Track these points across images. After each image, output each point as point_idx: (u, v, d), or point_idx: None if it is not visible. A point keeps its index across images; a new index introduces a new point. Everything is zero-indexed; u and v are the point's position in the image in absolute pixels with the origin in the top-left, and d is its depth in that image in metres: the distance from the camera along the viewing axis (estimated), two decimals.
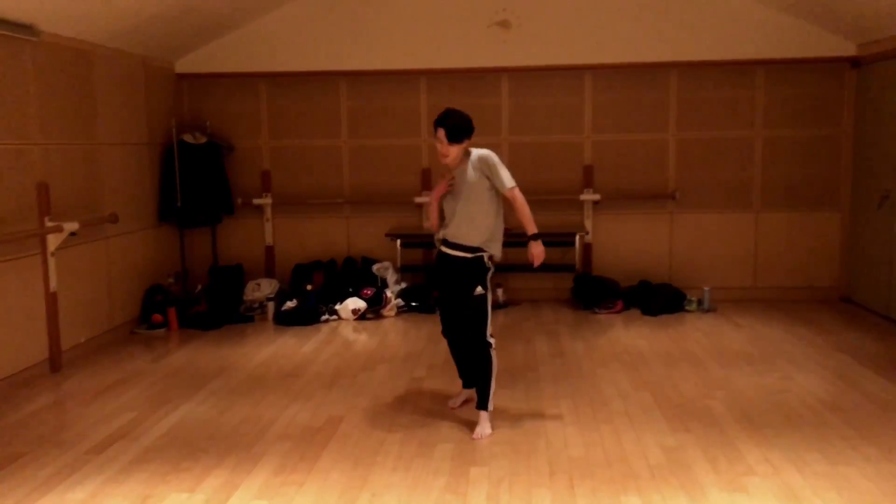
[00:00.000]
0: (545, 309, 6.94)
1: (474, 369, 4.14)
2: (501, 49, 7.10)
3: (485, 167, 4.04)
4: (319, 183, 7.42)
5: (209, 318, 6.46)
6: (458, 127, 4.06)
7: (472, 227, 4.06)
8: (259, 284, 7.11)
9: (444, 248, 4.15)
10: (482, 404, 4.05)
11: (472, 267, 4.08)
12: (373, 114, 7.35)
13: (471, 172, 4.05)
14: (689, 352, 5.51)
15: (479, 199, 4.04)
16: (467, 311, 4.07)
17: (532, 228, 4.10)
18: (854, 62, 6.87)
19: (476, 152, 4.11)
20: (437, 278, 4.28)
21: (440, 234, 4.18)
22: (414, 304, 6.95)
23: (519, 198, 4.05)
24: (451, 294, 4.16)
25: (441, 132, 4.05)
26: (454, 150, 4.06)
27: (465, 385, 4.44)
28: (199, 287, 7.05)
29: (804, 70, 6.99)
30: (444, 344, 5.73)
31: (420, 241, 7.36)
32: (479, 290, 4.06)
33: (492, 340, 4.08)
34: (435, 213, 4.26)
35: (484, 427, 4.01)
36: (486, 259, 4.10)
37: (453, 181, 4.10)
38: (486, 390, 4.04)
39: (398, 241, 7.19)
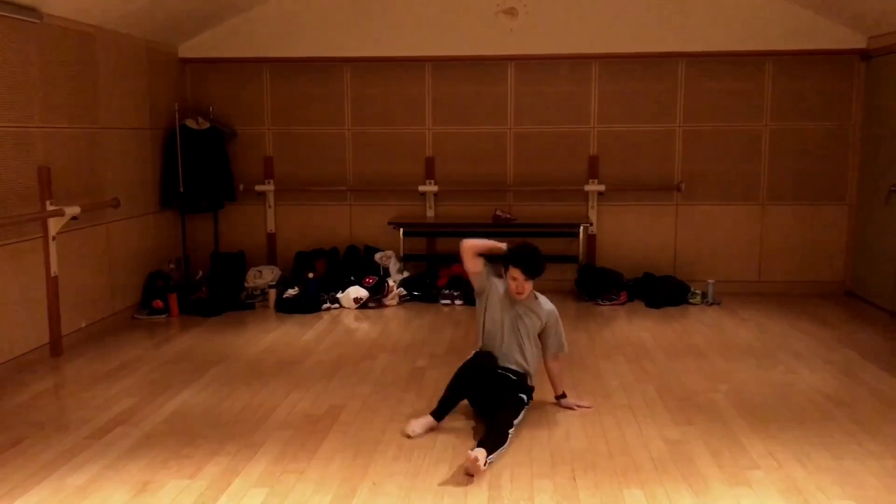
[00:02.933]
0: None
1: (488, 434, 3.72)
2: (508, 37, 7.05)
3: (552, 320, 4.20)
4: (322, 170, 7.38)
5: (210, 305, 6.43)
6: (538, 264, 4.14)
7: (524, 360, 4.14)
8: (260, 271, 7.08)
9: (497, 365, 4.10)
10: (489, 449, 3.55)
11: (519, 382, 4.09)
12: (377, 101, 7.30)
13: (538, 315, 4.17)
14: (692, 345, 5.49)
15: (535, 341, 4.19)
16: (505, 404, 3.91)
17: (560, 387, 4.31)
18: (864, 55, 6.81)
19: (546, 302, 4.23)
20: (477, 375, 4.06)
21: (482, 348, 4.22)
22: (416, 293, 6.92)
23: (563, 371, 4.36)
24: (491, 390, 4.03)
25: (519, 272, 4.08)
26: (529, 286, 4.13)
27: (437, 417, 3.95)
28: (201, 273, 7.03)
29: (813, 62, 6.93)
30: (446, 333, 5.75)
31: (423, 230, 7.33)
32: (522, 395, 4.04)
33: (511, 432, 3.78)
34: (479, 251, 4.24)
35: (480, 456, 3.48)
36: (529, 381, 4.14)
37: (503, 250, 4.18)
38: (493, 451, 3.60)
39: (401, 230, 7.16)
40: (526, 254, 4.12)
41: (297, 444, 3.77)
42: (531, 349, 4.15)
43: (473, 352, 4.20)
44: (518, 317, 4.13)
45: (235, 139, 7.35)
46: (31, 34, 5.05)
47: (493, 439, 3.63)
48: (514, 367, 4.11)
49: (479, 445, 3.55)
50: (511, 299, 4.13)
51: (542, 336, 4.21)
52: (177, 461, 3.59)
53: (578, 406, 4.23)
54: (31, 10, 4.96)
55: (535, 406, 4.24)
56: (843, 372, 4.87)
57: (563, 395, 4.26)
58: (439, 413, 3.93)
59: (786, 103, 7.02)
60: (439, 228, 7.34)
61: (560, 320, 4.25)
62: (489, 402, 3.94)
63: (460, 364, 4.11)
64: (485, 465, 3.44)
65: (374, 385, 4.65)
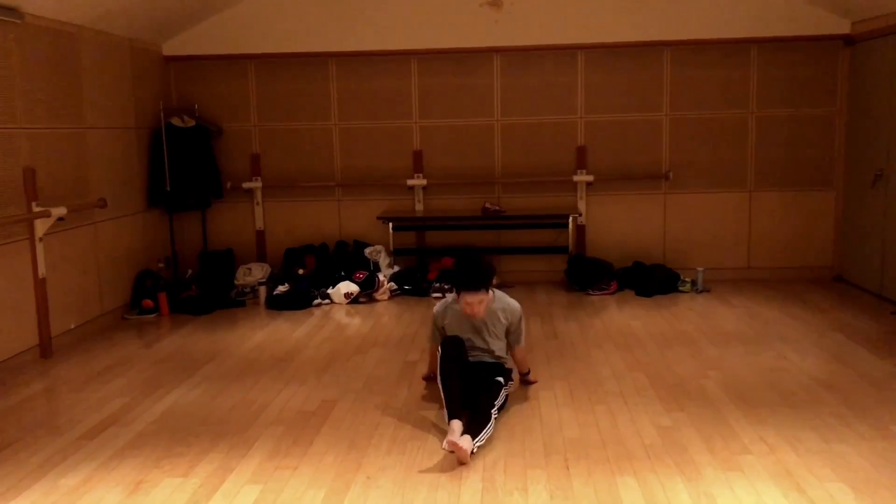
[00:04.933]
0: (539, 291, 6.92)
1: (471, 420, 3.71)
2: (493, 29, 7.04)
3: (514, 319, 4.20)
4: (310, 166, 7.36)
5: (200, 303, 6.41)
6: (488, 276, 4.11)
7: (490, 352, 4.19)
8: (250, 269, 7.07)
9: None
10: (473, 434, 3.56)
11: (494, 366, 4.14)
12: (363, 95, 7.28)
13: (499, 318, 4.17)
14: (683, 332, 5.51)
15: (500, 336, 4.21)
16: (484, 390, 3.92)
17: (525, 368, 4.44)
18: (848, 40, 6.83)
19: (506, 300, 4.21)
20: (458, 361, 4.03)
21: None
22: (407, 287, 6.92)
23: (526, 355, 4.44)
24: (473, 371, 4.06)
25: (482, 293, 4.01)
26: (484, 301, 4.07)
27: (457, 416, 3.73)
28: (190, 272, 7.01)
29: (798, 48, 6.96)
30: None
31: (412, 224, 7.32)
32: (499, 378, 4.05)
33: (495, 414, 3.80)
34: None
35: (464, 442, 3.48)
36: (506, 364, 4.20)
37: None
38: (477, 434, 3.59)
39: (390, 225, 7.15)
40: (470, 271, 4.05)
41: (290, 440, 3.76)
42: (497, 343, 4.20)
43: (438, 345, 4.12)
44: (480, 326, 4.16)
45: (221, 136, 7.31)
46: (11, 34, 5.01)
47: (476, 424, 3.65)
48: (485, 358, 4.16)
49: (464, 433, 3.55)
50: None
51: (506, 333, 4.24)
52: (169, 460, 3.58)
53: (534, 381, 4.43)
54: (10, 10, 4.92)
55: (527, 396, 4.26)
56: (832, 356, 4.90)
57: (528, 373, 4.45)
58: (454, 412, 3.74)
59: (771, 90, 7.04)
60: (428, 222, 7.33)
61: (523, 318, 4.29)
62: (468, 390, 3.91)
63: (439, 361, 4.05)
64: (473, 450, 3.47)
65: (367, 380, 4.65)
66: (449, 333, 4.17)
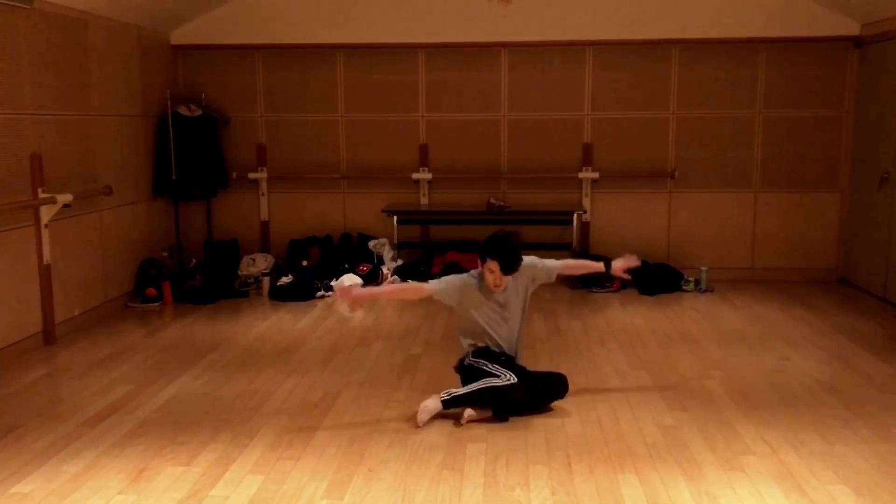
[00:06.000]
0: (542, 287, 6.89)
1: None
2: (501, 23, 7.02)
3: (532, 271, 4.04)
4: (316, 157, 7.35)
5: (204, 293, 6.42)
6: (514, 260, 3.87)
7: (520, 342, 4.15)
8: (254, 259, 7.07)
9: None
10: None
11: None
12: (370, 88, 7.27)
13: (517, 289, 4.02)
14: (686, 332, 5.51)
15: (525, 312, 4.12)
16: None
17: (599, 267, 4.37)
18: (857, 42, 6.81)
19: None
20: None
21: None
22: (410, 280, 6.92)
23: (570, 264, 4.32)
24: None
25: (495, 265, 3.84)
26: (507, 280, 3.91)
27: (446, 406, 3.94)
28: (194, 261, 7.01)
29: (807, 49, 6.94)
30: (441, 320, 5.76)
31: (417, 217, 7.32)
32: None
33: (481, 387, 3.85)
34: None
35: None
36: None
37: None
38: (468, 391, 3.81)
39: (395, 218, 7.14)
40: (505, 245, 3.84)
41: (292, 431, 3.77)
42: (522, 325, 4.11)
43: (506, 379, 3.85)
44: (504, 304, 3.99)
45: (228, 126, 7.31)
46: (20, 20, 5.00)
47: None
48: (517, 352, 4.10)
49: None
50: (489, 290, 3.94)
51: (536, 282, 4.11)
52: (172, 448, 3.58)
53: (628, 266, 4.33)
54: None
55: None
56: (835, 358, 4.90)
57: (608, 266, 4.34)
58: (460, 405, 3.84)
59: (779, 90, 7.03)
60: (433, 216, 7.33)
61: (537, 260, 4.08)
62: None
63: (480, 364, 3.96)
64: (444, 398, 3.79)
65: (369, 372, 4.65)
66: (478, 313, 3.95)
